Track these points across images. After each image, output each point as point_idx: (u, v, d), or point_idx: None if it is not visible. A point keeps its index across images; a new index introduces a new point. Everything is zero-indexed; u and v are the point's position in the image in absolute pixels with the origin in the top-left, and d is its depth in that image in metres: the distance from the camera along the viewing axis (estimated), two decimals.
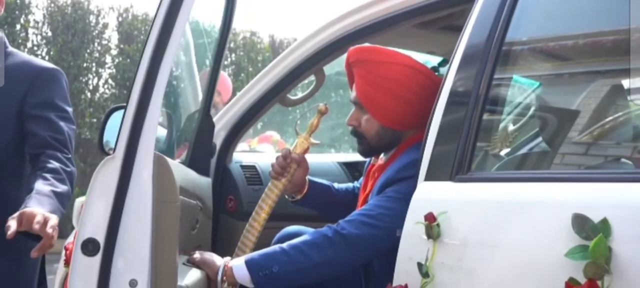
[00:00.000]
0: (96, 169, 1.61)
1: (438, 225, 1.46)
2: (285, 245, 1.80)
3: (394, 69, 1.95)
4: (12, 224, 1.67)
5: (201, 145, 2.53)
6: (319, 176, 2.38)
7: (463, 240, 1.42)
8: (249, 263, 1.81)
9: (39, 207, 1.71)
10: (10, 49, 2.14)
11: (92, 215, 1.59)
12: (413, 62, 1.98)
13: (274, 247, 1.82)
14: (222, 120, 2.63)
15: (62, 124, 2.03)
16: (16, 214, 1.71)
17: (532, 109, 1.83)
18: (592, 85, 1.67)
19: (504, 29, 1.55)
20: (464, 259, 1.39)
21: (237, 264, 1.83)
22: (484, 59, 1.55)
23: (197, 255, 1.94)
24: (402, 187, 1.84)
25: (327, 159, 3.01)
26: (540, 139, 1.74)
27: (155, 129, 1.62)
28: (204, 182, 2.46)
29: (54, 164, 1.91)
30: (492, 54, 1.55)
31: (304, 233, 2.12)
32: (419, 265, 1.46)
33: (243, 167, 2.71)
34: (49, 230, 1.65)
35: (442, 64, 2.82)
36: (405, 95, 1.94)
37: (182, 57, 2.74)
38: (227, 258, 1.90)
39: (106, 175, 1.60)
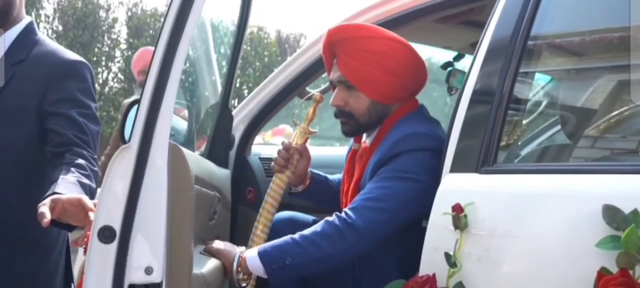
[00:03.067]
0: (112, 158, 1.62)
1: (465, 216, 1.48)
2: (297, 236, 1.81)
3: (381, 42, 1.97)
4: (46, 212, 1.62)
5: (220, 137, 2.55)
6: (337, 169, 2.39)
7: (490, 230, 1.44)
8: (262, 255, 1.83)
9: (69, 193, 1.68)
10: (39, 35, 2.06)
11: (108, 203, 1.60)
12: (396, 36, 2.01)
13: (286, 239, 1.83)
14: (242, 113, 2.65)
15: (86, 122, 1.96)
16: (47, 200, 1.65)
17: (557, 102, 1.85)
18: (618, 79, 1.69)
19: (529, 23, 1.57)
20: (492, 249, 1.42)
21: (251, 256, 1.85)
22: (509, 53, 1.57)
23: (213, 244, 1.96)
24: (398, 163, 1.85)
25: (343, 152, 3.03)
26: (565, 131, 1.76)
27: (170, 119, 1.63)
28: (223, 174, 2.47)
29: (80, 161, 1.86)
30: (518, 48, 1.57)
31: (296, 219, 2.15)
32: (447, 255, 1.48)
33: (262, 159, 2.73)
34: (92, 219, 1.62)
35: (457, 58, 2.85)
36: (393, 67, 1.96)
37: (201, 50, 2.76)
38: (243, 248, 1.91)
39: (122, 164, 1.61)
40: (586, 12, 1.61)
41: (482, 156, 1.55)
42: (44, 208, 1.63)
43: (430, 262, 1.55)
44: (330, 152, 3.07)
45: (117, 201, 1.60)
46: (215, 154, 2.52)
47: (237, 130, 2.64)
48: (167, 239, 1.64)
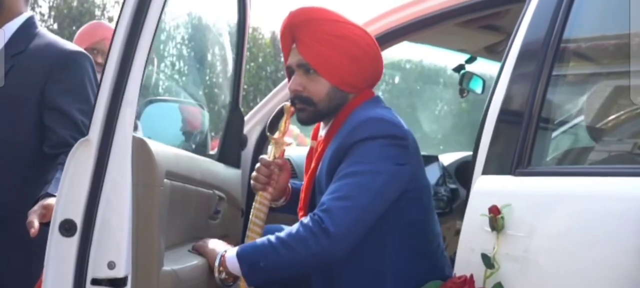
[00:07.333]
0: (71, 151, 1.59)
1: (502, 217, 1.49)
2: (273, 238, 1.77)
3: (345, 27, 1.92)
4: (34, 220, 1.63)
5: (231, 137, 2.55)
6: None
7: (528, 231, 1.45)
8: (240, 256, 1.79)
9: None
10: (39, 29, 2.06)
11: (69, 196, 1.58)
12: (358, 24, 1.96)
13: (264, 240, 1.79)
14: (259, 114, 2.66)
15: (84, 121, 1.93)
16: (37, 207, 1.68)
17: (592, 105, 1.88)
18: None
19: (562, 25, 1.59)
20: (531, 250, 1.43)
21: (230, 255, 1.82)
22: (542, 55, 1.60)
23: (201, 243, 1.94)
24: (357, 156, 1.79)
25: None
26: (602, 134, 1.78)
27: (133, 110, 1.59)
28: (230, 173, 2.46)
29: None
30: (551, 50, 1.59)
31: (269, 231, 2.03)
32: (485, 256, 1.50)
33: None
34: None
35: (469, 61, 2.88)
36: (357, 53, 1.90)
37: (215, 51, 2.77)
38: (228, 248, 1.88)
39: (82, 157, 1.58)
40: (621, 13, 1.63)
41: (517, 158, 1.57)
42: (33, 216, 1.65)
43: (466, 262, 1.57)
44: None
45: (77, 194, 1.57)
46: (226, 154, 2.51)
47: (254, 132, 2.64)
48: (132, 234, 1.62)
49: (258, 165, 2.05)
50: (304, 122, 2.01)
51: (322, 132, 2.01)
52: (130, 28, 1.57)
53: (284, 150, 2.08)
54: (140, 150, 1.67)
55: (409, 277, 1.82)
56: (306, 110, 1.96)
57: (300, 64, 1.94)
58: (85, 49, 2.24)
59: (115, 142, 1.58)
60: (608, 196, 1.38)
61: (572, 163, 1.78)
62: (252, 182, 2.05)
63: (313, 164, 1.98)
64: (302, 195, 2.03)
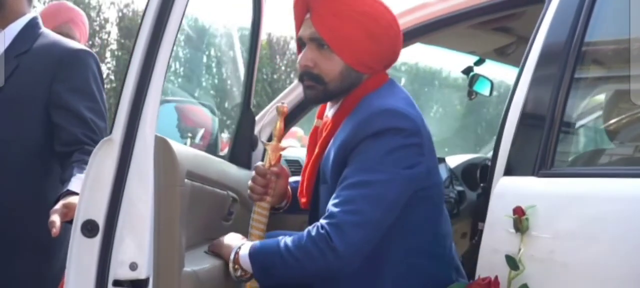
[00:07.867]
0: (93, 151, 1.58)
1: (527, 218, 1.49)
2: (283, 245, 1.69)
3: (365, 1, 1.75)
4: (56, 219, 1.63)
5: (242, 138, 2.54)
6: None
7: (554, 233, 1.46)
8: (252, 257, 1.74)
9: None
10: (43, 29, 2.06)
11: (91, 196, 1.57)
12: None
13: (274, 246, 1.72)
14: (269, 115, 2.65)
15: (94, 119, 1.94)
16: (59, 206, 1.67)
17: (615, 107, 1.88)
18: None
19: (584, 27, 1.60)
20: (557, 251, 1.44)
21: (243, 253, 1.75)
22: (564, 57, 1.60)
23: (216, 241, 1.89)
24: (373, 150, 1.65)
25: None
26: (626, 135, 1.79)
27: (156, 109, 1.57)
28: (242, 174, 2.45)
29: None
30: (573, 52, 1.60)
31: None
32: (509, 257, 1.50)
33: (287, 161, 2.72)
34: None
35: (478, 63, 2.88)
36: (377, 32, 1.75)
37: (227, 54, 2.77)
38: (243, 243, 1.80)
39: (104, 156, 1.57)
40: None
41: (540, 159, 1.57)
42: (55, 216, 1.64)
43: (489, 263, 1.57)
44: None
45: (100, 194, 1.56)
46: (237, 155, 2.50)
47: (264, 133, 2.63)
48: (154, 235, 1.60)
49: (253, 174, 1.96)
50: (311, 101, 1.86)
51: (329, 113, 1.86)
52: (154, 26, 1.56)
53: (281, 156, 1.98)
54: (163, 149, 1.65)
55: (414, 278, 1.76)
56: (315, 89, 1.79)
57: (313, 37, 1.77)
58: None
59: (138, 142, 1.57)
60: (632, 197, 1.39)
61: (596, 164, 1.79)
62: (248, 192, 1.97)
63: (317, 149, 1.84)
64: (303, 179, 1.92)
